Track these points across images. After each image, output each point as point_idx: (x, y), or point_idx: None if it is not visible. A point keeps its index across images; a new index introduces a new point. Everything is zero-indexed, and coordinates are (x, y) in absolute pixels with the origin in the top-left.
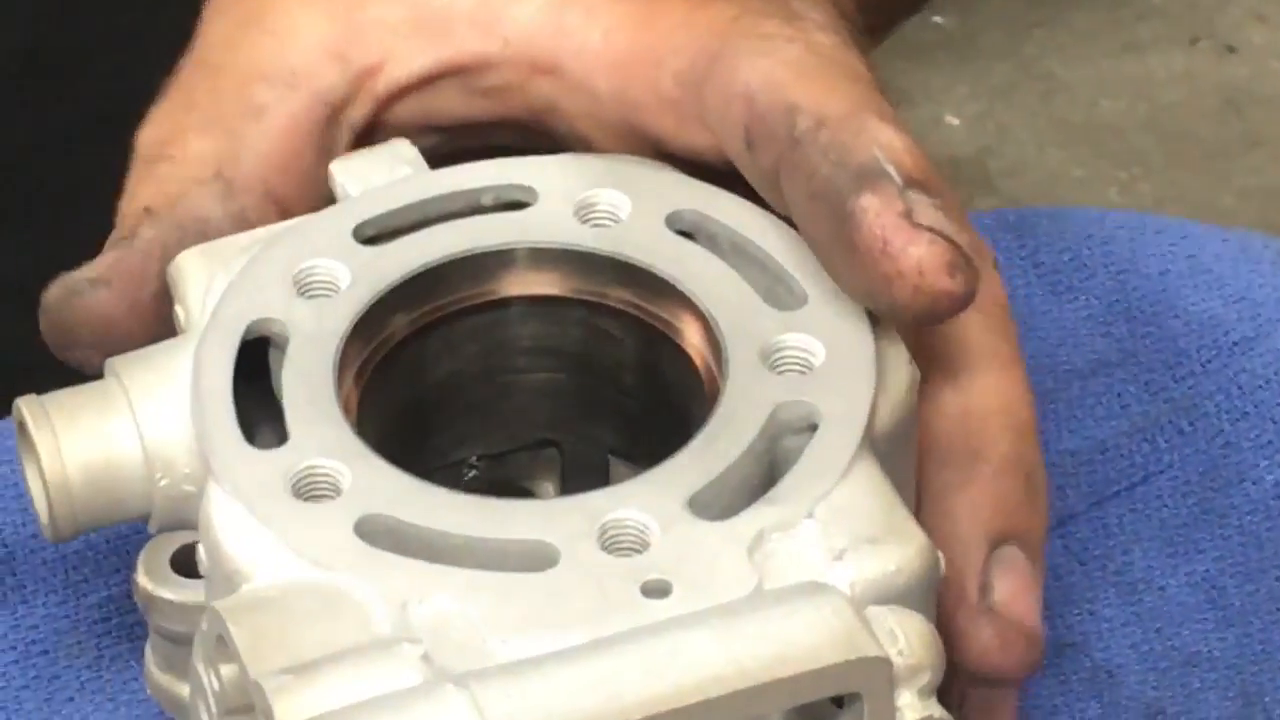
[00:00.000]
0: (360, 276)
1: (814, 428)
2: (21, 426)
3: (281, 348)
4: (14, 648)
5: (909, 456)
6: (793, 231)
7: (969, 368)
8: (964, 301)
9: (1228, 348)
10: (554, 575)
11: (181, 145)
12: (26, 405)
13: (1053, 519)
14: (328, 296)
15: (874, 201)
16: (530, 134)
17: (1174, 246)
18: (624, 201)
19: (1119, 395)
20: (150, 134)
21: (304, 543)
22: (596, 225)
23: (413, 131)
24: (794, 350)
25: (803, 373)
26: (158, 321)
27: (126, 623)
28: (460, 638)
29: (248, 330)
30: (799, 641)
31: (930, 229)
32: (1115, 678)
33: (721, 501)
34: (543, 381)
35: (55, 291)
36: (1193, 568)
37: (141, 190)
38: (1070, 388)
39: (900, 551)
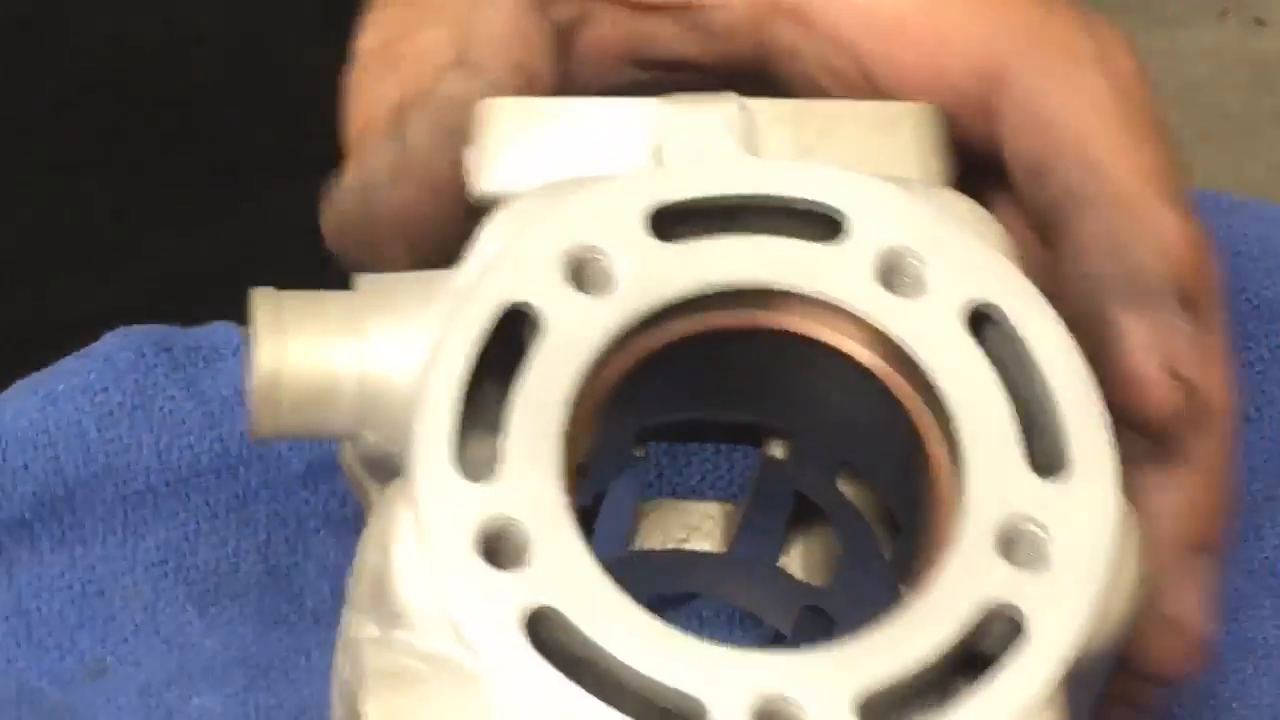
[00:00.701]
0: (639, 277)
1: (1017, 635)
2: (251, 316)
3: (533, 338)
4: (70, 587)
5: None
6: (1081, 367)
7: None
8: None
9: None
10: None
11: (412, 42)
12: (260, 296)
13: None
14: (597, 293)
15: (1138, 329)
16: (743, 78)
17: (1246, 228)
18: (929, 271)
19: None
20: (373, 39)
21: (469, 617)
22: (896, 292)
23: (610, 61)
24: (1031, 533)
25: (1029, 565)
26: (457, 205)
27: (183, 565)
28: None
29: (504, 312)
30: None
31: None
32: None
33: (893, 699)
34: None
35: (348, 196)
36: (1252, 554)
37: (385, 91)
38: None
39: None
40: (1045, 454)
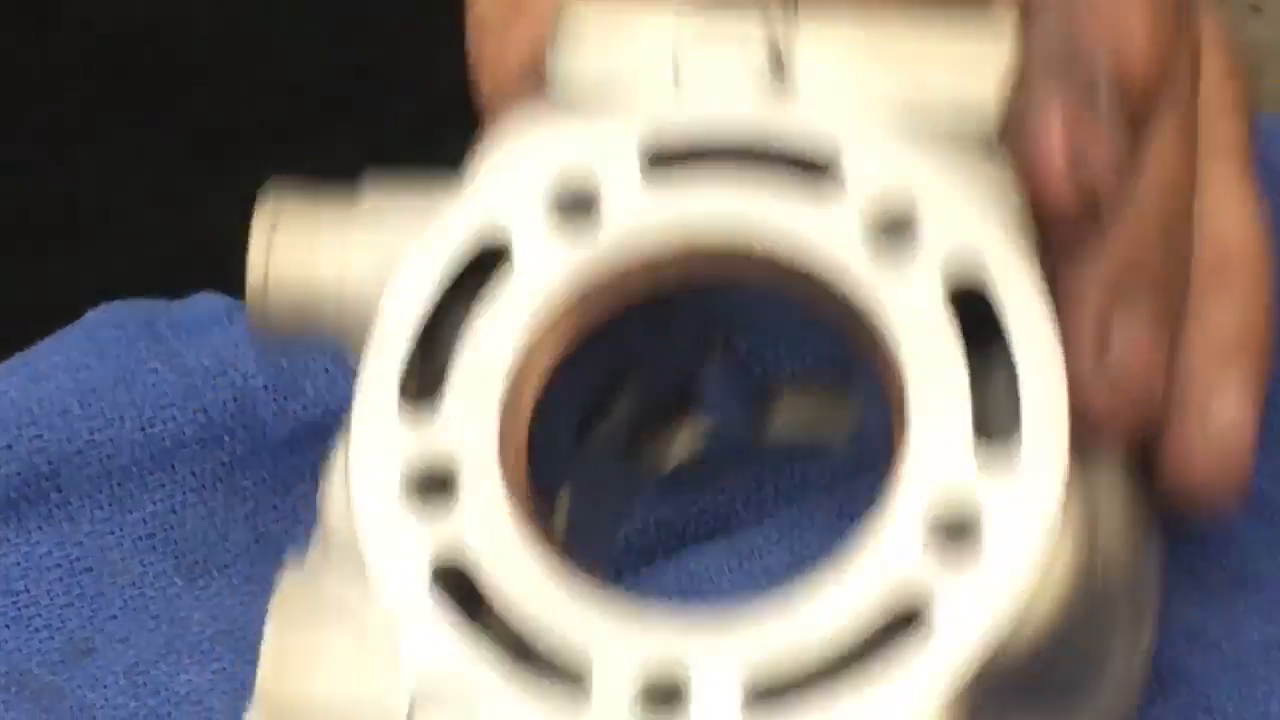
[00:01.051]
0: (622, 212)
1: (923, 633)
2: (255, 212)
3: (501, 271)
4: (58, 565)
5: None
6: (1054, 356)
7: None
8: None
9: None
10: (572, 707)
11: (534, 2)
12: (268, 195)
13: None
14: (578, 226)
15: (1056, 121)
16: None
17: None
18: (919, 239)
19: None
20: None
21: (379, 556)
22: (880, 258)
23: None
24: (961, 525)
25: (953, 558)
26: None
27: (171, 538)
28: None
29: (476, 242)
30: None
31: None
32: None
33: (784, 681)
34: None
35: None
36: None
37: (512, 53)
38: None
39: None
40: (996, 444)
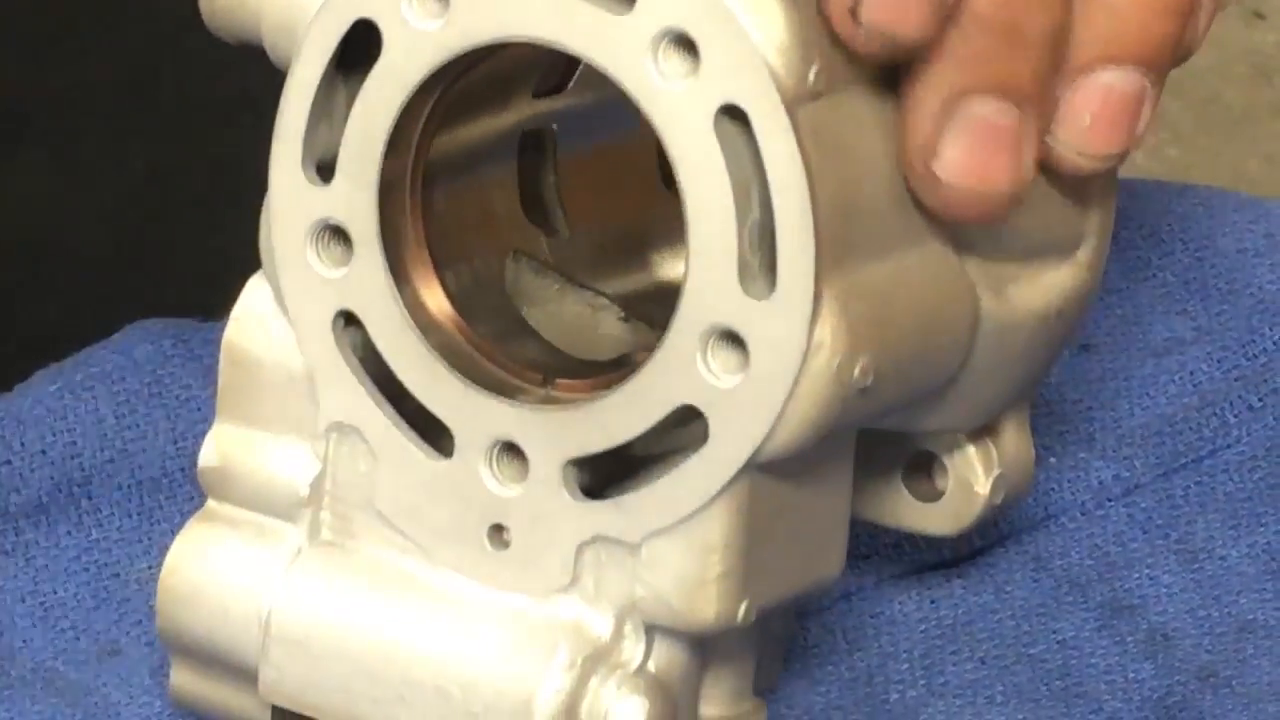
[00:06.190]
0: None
1: (703, 435)
2: None
3: (377, 49)
4: (86, 569)
5: (838, 466)
6: (803, 186)
7: None
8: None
9: None
10: (443, 467)
11: None
12: None
13: (1119, 489)
14: (432, 10)
15: None
16: None
17: (1252, 225)
18: (700, 61)
19: (1191, 373)
20: None
21: (295, 309)
22: (664, 77)
23: None
24: (729, 342)
25: (724, 371)
26: None
27: None
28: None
29: (351, 24)
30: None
31: None
32: (1170, 641)
33: (598, 466)
34: None
35: None
36: (1254, 539)
37: None
38: (1144, 365)
39: (687, 622)
40: (759, 267)
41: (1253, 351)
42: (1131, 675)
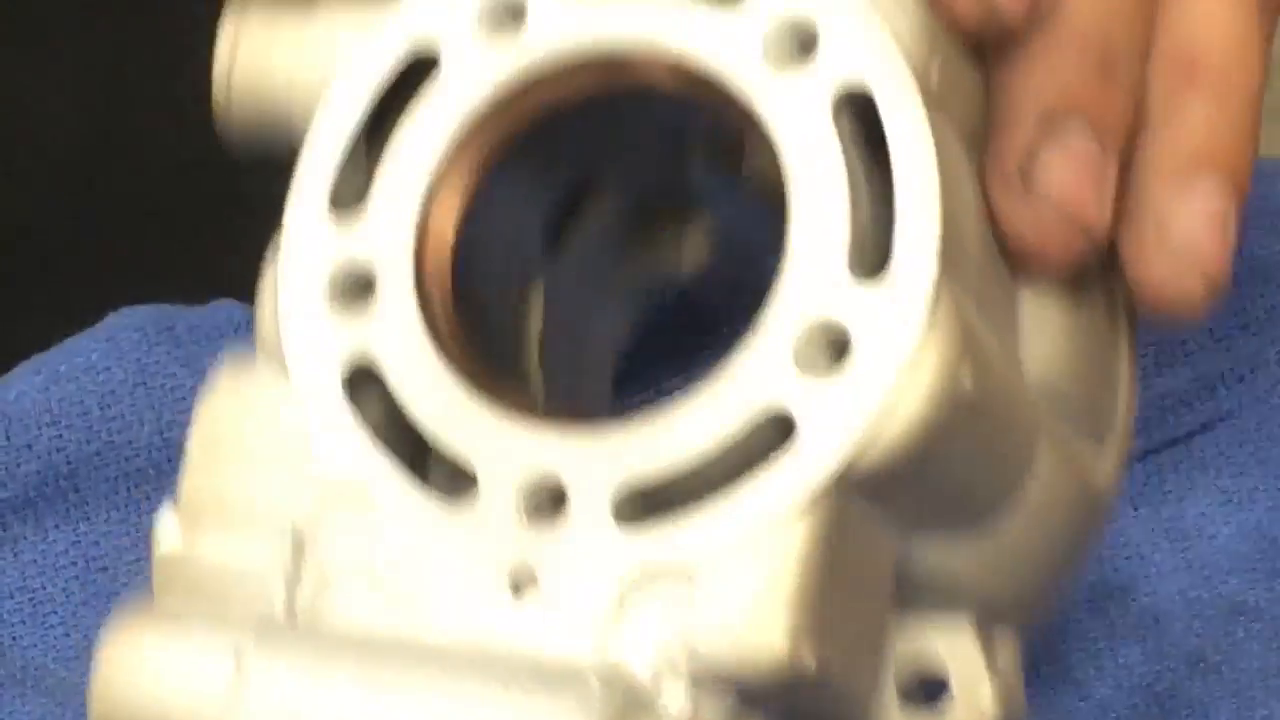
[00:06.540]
0: (546, 22)
1: (788, 442)
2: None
3: (430, 78)
4: (75, 564)
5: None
6: (931, 173)
7: None
8: None
9: None
10: (459, 517)
11: None
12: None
13: None
14: (506, 37)
15: None
16: None
17: None
18: (817, 49)
19: (1184, 344)
20: None
21: (297, 357)
22: (776, 68)
23: None
24: (831, 338)
25: (821, 371)
26: None
27: None
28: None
29: (408, 53)
30: None
31: None
32: (1160, 623)
33: (655, 494)
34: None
35: None
36: (1245, 517)
37: None
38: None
39: (751, 658)
40: (871, 257)
41: (1244, 321)
42: (1121, 660)
